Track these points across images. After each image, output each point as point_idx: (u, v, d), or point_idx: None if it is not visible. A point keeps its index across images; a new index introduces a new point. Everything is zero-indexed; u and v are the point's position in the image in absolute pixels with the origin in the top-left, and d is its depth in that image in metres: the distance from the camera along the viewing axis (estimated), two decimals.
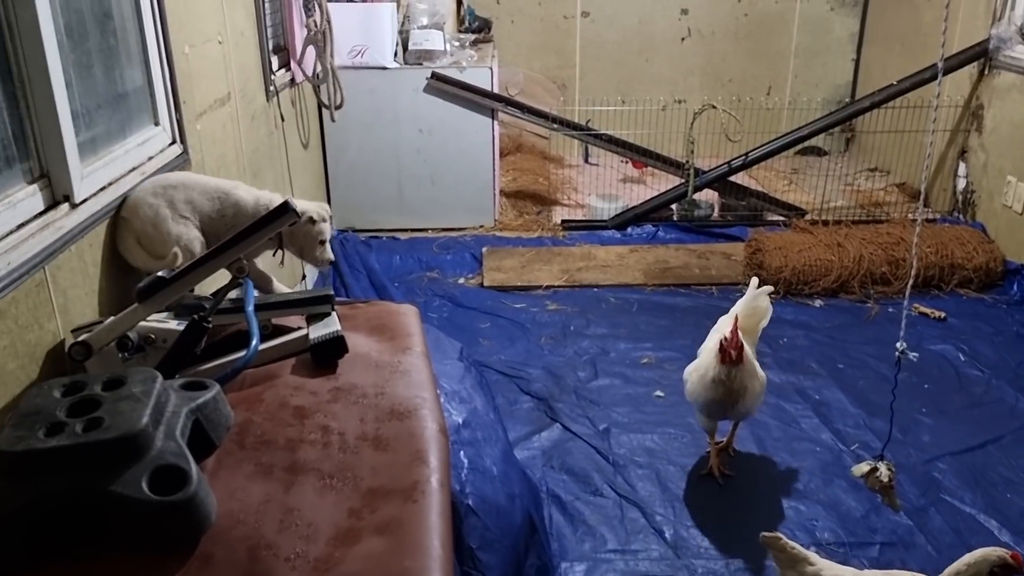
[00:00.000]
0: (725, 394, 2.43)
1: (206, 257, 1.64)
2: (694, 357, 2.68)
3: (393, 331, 1.94)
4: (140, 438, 1.21)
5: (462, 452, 1.67)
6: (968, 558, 1.70)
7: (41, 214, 1.72)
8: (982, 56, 4.45)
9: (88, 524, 1.18)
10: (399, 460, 1.41)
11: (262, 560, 1.19)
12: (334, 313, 1.83)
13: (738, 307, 2.67)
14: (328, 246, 2.21)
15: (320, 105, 4.36)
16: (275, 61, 3.63)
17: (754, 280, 2.77)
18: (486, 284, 4.13)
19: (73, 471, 1.18)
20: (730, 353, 2.39)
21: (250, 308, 1.68)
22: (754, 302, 2.69)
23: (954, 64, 4.49)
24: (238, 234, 1.61)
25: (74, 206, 1.80)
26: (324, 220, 2.18)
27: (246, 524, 1.26)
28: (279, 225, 1.62)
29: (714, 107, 4.52)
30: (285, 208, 1.62)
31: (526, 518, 1.77)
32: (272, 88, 3.49)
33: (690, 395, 2.59)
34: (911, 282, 2.25)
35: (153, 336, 1.69)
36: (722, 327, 2.61)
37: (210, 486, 1.27)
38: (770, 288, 2.72)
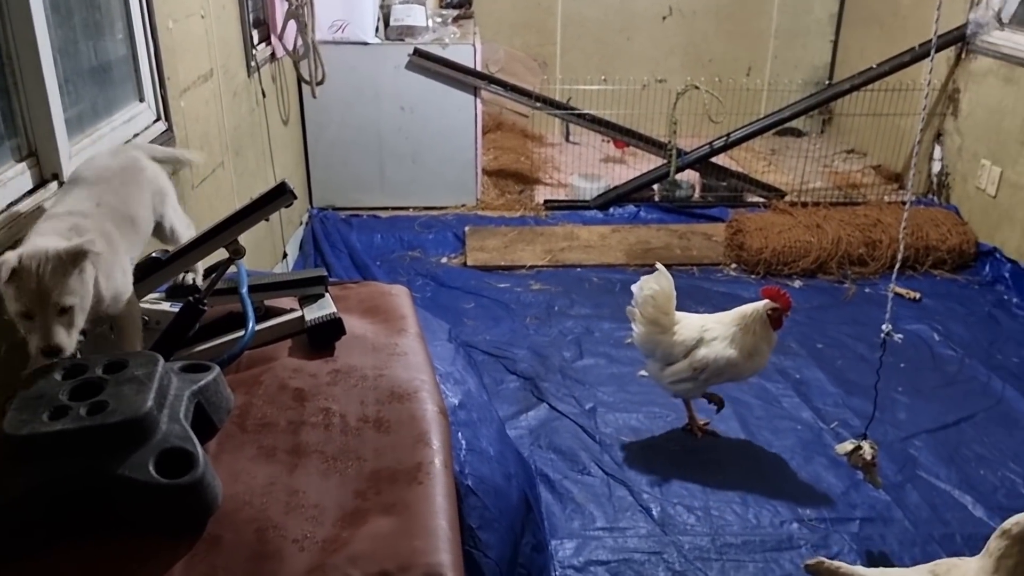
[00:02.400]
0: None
1: (201, 239, 1.62)
2: None
3: (387, 313, 1.94)
4: (145, 421, 1.21)
5: (460, 433, 1.68)
6: (1013, 519, 1.69)
7: (30, 193, 1.70)
8: (959, 40, 4.50)
9: (96, 508, 1.18)
10: (402, 442, 1.42)
11: (270, 542, 1.20)
12: (328, 295, 1.82)
13: (663, 289, 2.69)
14: (46, 326, 1.29)
15: (300, 81, 4.31)
16: (255, 35, 3.58)
17: (660, 268, 2.74)
18: (469, 264, 4.14)
19: (79, 455, 1.17)
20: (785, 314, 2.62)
21: (244, 290, 1.68)
22: (664, 281, 2.70)
23: (935, 46, 4.54)
24: (234, 215, 1.60)
25: (63, 184, 1.78)
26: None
27: (252, 506, 1.26)
28: (277, 206, 1.61)
29: (697, 88, 4.53)
30: (282, 189, 1.61)
31: (522, 497, 1.80)
32: (253, 63, 3.45)
33: (739, 374, 2.67)
34: (898, 264, 2.30)
35: (147, 318, 1.68)
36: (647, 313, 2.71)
37: (214, 469, 1.28)
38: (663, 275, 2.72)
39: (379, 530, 1.22)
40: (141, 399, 1.23)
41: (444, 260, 4.23)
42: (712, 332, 2.66)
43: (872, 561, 2.26)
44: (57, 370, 1.31)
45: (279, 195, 1.62)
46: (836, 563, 1.85)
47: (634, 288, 2.74)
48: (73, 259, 1.28)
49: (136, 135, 2.19)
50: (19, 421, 1.18)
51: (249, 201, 1.58)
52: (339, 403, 1.52)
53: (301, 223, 4.45)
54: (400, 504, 1.27)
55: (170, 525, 1.20)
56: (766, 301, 2.62)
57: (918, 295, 3.86)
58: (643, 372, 3.18)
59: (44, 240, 1.32)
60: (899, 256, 2.36)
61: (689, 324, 2.70)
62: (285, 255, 3.96)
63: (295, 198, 1.69)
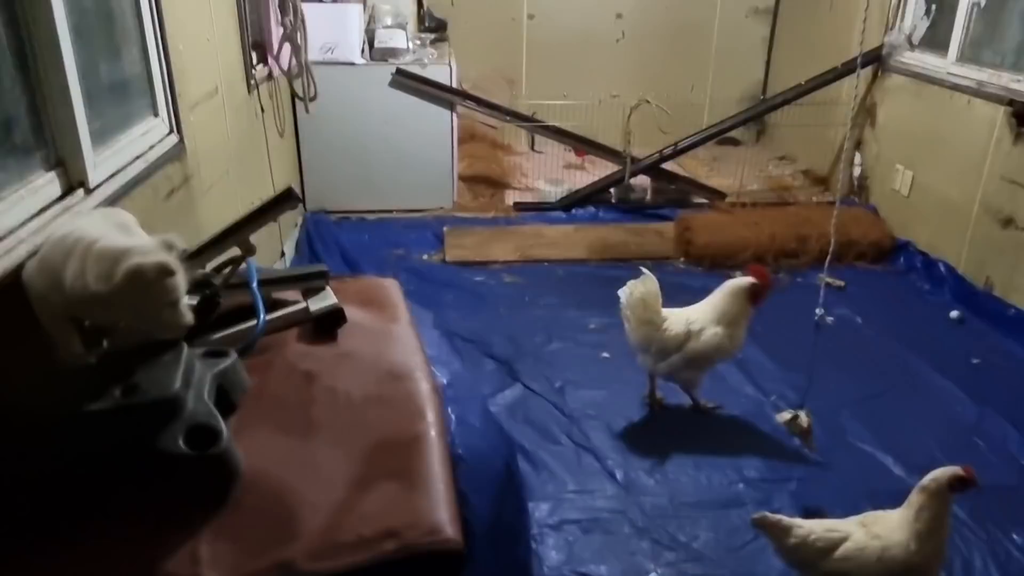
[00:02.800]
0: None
1: (218, 238, 1.62)
2: None
3: (380, 303, 1.94)
4: (175, 400, 1.21)
5: (449, 409, 1.70)
6: (930, 476, 1.77)
7: (59, 199, 1.68)
8: (876, 60, 4.60)
9: (133, 478, 1.18)
10: (401, 416, 1.43)
11: (288, 506, 1.21)
12: (328, 287, 1.83)
13: (650, 291, 2.65)
14: (181, 307, 1.31)
15: (294, 97, 4.29)
16: (254, 57, 3.55)
17: (646, 272, 2.69)
18: (448, 260, 4.14)
19: (116, 431, 1.18)
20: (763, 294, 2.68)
21: (255, 284, 1.68)
22: (650, 285, 2.66)
23: (854, 67, 4.64)
24: (247, 217, 1.60)
25: (89, 191, 1.76)
26: (173, 273, 1.26)
27: (271, 475, 1.27)
28: (284, 209, 1.62)
29: (648, 102, 4.58)
30: (289, 194, 1.61)
31: (504, 466, 1.82)
32: (253, 82, 3.42)
33: (726, 355, 2.70)
34: (830, 257, 2.37)
35: None
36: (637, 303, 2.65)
37: (236, 443, 1.28)
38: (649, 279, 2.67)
39: (385, 493, 1.24)
40: (170, 381, 1.23)
41: (425, 257, 4.23)
42: (698, 323, 2.63)
43: (808, 515, 2.28)
44: (92, 357, 1.31)
45: (286, 200, 1.63)
46: (777, 516, 1.90)
47: (621, 293, 2.69)
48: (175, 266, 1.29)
49: (151, 147, 2.17)
50: (63, 402, 1.18)
51: (260, 204, 1.59)
52: (344, 383, 1.52)
53: (296, 225, 4.42)
54: (402, 470, 1.29)
55: (199, 493, 1.20)
56: (749, 277, 2.69)
57: (843, 284, 3.94)
58: (605, 354, 3.23)
59: (140, 240, 1.32)
60: (831, 249, 2.43)
61: (677, 319, 2.67)
62: (283, 254, 3.93)
63: (300, 202, 1.71)
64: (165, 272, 1.24)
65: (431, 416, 1.45)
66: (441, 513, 1.20)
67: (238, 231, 1.59)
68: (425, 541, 1.14)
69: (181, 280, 1.30)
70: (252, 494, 1.22)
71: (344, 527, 1.16)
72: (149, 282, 1.23)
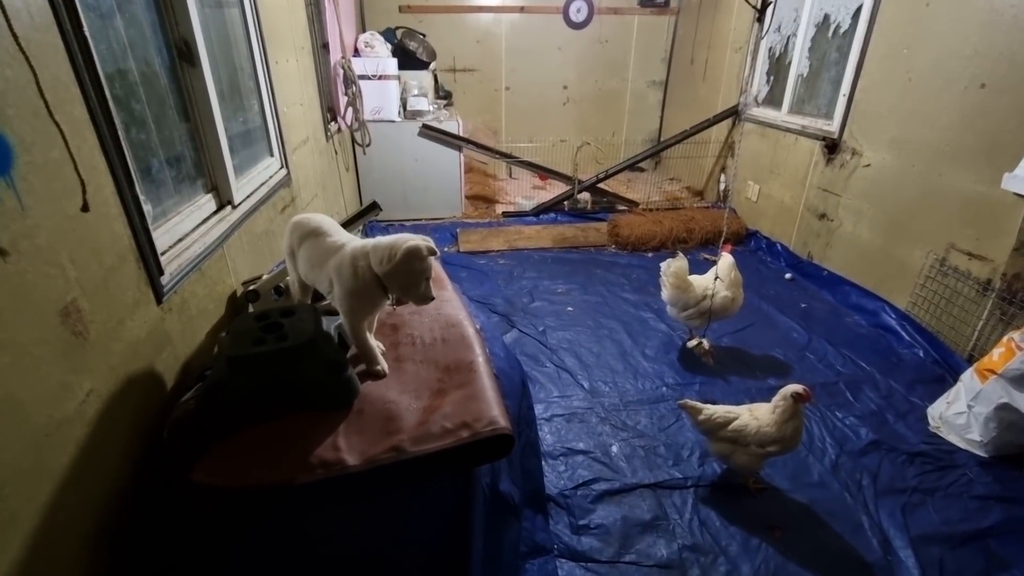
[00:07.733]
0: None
1: None
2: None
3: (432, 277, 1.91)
4: (313, 343, 1.18)
5: (486, 345, 1.67)
6: (779, 393, 1.74)
7: (215, 213, 1.61)
8: (734, 113, 4.60)
9: (289, 397, 1.15)
10: (458, 350, 1.42)
11: (392, 410, 1.19)
12: None
13: (682, 266, 2.55)
14: (430, 283, 1.21)
15: (354, 144, 4.16)
16: (329, 116, 3.43)
17: (679, 254, 2.60)
18: (461, 250, 4.07)
19: (275, 366, 1.14)
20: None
21: None
22: (682, 262, 2.59)
23: (721, 117, 4.64)
24: (350, 218, 1.55)
25: (234, 207, 1.69)
26: (429, 255, 1.18)
27: (378, 392, 1.25)
28: (372, 214, 1.57)
29: (588, 144, 4.53)
30: (375, 204, 1.56)
31: (521, 380, 1.80)
32: (329, 133, 3.31)
33: (732, 310, 2.47)
34: (724, 238, 2.37)
35: (283, 285, 1.62)
36: (672, 274, 2.55)
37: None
38: (681, 258, 2.55)
39: (456, 399, 1.23)
40: (307, 330, 1.20)
41: (446, 248, 4.15)
42: (710, 289, 2.50)
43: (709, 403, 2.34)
44: (251, 317, 1.26)
45: (373, 208, 1.58)
46: (694, 401, 1.92)
47: (662, 265, 2.57)
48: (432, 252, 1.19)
49: (271, 177, 2.09)
50: (235, 347, 1.14)
51: (359, 210, 1.53)
52: (419, 330, 1.50)
53: (359, 231, 4.31)
54: (465, 383, 1.28)
55: (334, 405, 1.18)
56: (728, 257, 2.53)
57: (717, 258, 3.93)
58: (570, 308, 3.20)
59: (411, 236, 1.18)
60: (724, 234, 2.46)
61: (699, 284, 2.54)
62: None
63: (381, 210, 1.65)
64: (431, 251, 1.16)
65: (478, 349, 1.44)
66: (496, 411, 1.19)
67: (346, 226, 1.53)
68: (488, 429, 1.13)
69: (435, 261, 1.16)
70: (367, 404, 1.21)
71: (432, 422, 1.15)
72: (422, 258, 1.13)
